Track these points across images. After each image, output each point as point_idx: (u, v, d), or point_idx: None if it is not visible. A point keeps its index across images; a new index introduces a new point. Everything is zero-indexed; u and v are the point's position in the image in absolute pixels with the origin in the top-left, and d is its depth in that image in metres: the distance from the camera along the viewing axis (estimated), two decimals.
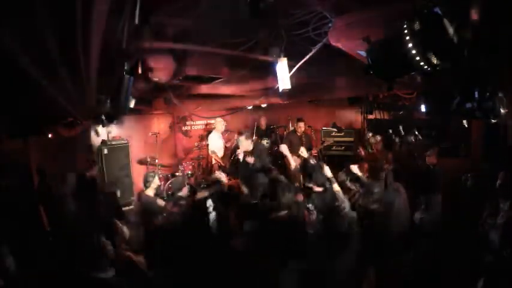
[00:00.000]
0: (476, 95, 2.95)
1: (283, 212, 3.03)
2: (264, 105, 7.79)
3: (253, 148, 4.75)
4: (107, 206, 4.48)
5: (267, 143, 8.04)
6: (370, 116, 7.84)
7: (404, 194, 3.93)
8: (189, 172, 7.29)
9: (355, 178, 4.37)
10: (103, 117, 3.81)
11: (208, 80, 4.55)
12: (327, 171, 3.63)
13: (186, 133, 8.29)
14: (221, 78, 4.44)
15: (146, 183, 4.48)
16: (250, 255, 2.98)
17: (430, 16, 1.78)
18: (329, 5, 2.71)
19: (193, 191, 6.07)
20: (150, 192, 4.49)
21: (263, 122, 8.43)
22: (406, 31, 1.82)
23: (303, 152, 5.79)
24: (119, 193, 4.95)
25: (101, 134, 6.88)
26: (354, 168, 4.36)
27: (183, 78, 4.10)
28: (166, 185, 6.72)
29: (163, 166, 7.17)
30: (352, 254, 2.89)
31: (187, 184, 6.53)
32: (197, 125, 8.48)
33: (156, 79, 3.75)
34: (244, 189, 4.88)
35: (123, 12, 2.20)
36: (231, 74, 4.51)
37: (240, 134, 4.71)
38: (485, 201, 3.59)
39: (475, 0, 1.85)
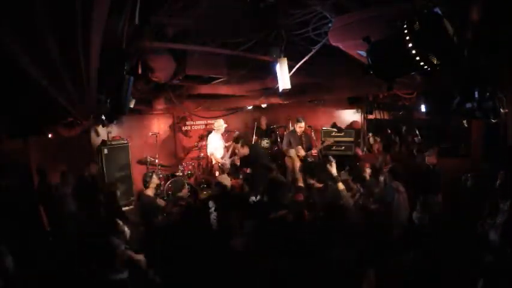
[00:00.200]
0: (476, 95, 2.95)
1: (283, 212, 3.04)
2: (264, 105, 7.79)
3: (249, 154, 4.74)
4: (107, 206, 4.48)
5: (266, 143, 8.04)
6: (370, 116, 7.84)
7: (404, 193, 3.93)
8: (189, 172, 7.29)
9: (358, 178, 4.37)
10: (103, 117, 3.80)
11: (208, 80, 4.54)
12: (333, 169, 3.63)
13: (186, 133, 8.29)
14: (221, 78, 4.44)
15: (145, 183, 4.49)
16: (250, 255, 2.98)
17: (430, 16, 1.78)
18: (329, 5, 2.71)
19: (193, 191, 6.07)
20: (150, 192, 4.50)
21: (263, 122, 8.43)
22: (406, 31, 1.81)
23: (300, 151, 5.79)
24: (119, 193, 4.95)
25: (101, 134, 6.89)
26: (367, 172, 4.34)
27: (183, 78, 4.10)
28: (166, 185, 6.72)
29: (163, 166, 7.17)
30: (352, 253, 2.89)
31: (188, 184, 6.55)
32: (197, 125, 8.48)
33: (156, 79, 3.75)
34: (246, 189, 4.88)
35: (123, 12, 2.20)
36: (231, 74, 4.51)
37: (236, 141, 4.68)
38: (485, 201, 3.59)
39: (475, 0, 1.86)
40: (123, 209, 5.68)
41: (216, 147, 6.93)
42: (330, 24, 2.95)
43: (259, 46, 3.71)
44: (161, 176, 6.83)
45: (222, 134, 7.19)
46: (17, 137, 4.29)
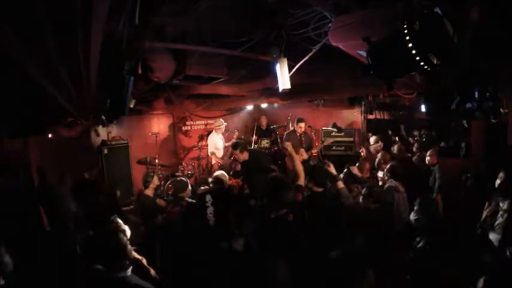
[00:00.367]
0: (476, 95, 2.96)
1: (283, 211, 3.04)
2: (264, 105, 7.79)
3: (249, 159, 4.71)
4: (107, 206, 4.48)
5: (266, 143, 8.04)
6: (370, 116, 7.84)
7: (404, 193, 3.93)
8: (189, 172, 7.29)
9: (355, 179, 4.37)
10: (103, 117, 3.80)
11: (208, 80, 4.54)
12: (332, 169, 3.63)
13: (186, 133, 8.29)
14: (221, 78, 4.44)
15: (145, 183, 4.49)
16: (250, 256, 2.98)
17: (430, 16, 1.79)
18: (329, 5, 2.71)
19: (193, 191, 6.06)
20: (150, 192, 4.50)
21: (263, 122, 8.43)
22: (406, 31, 1.81)
23: (303, 154, 5.78)
24: (119, 193, 4.95)
25: (101, 134, 6.88)
26: (354, 170, 4.36)
27: (183, 78, 4.10)
28: (166, 185, 6.72)
29: (163, 166, 7.17)
30: (352, 254, 2.90)
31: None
32: (197, 125, 8.48)
33: (156, 79, 3.75)
34: (247, 189, 4.88)
35: (123, 12, 2.20)
36: (231, 74, 4.51)
37: (234, 147, 4.64)
38: (485, 201, 3.59)
39: (475, 0, 1.86)
40: (123, 209, 5.67)
41: (216, 147, 6.93)
42: (330, 24, 2.95)
43: (259, 46, 3.71)
44: (161, 176, 6.82)
45: (222, 134, 7.19)
46: (17, 137, 4.28)
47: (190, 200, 4.39)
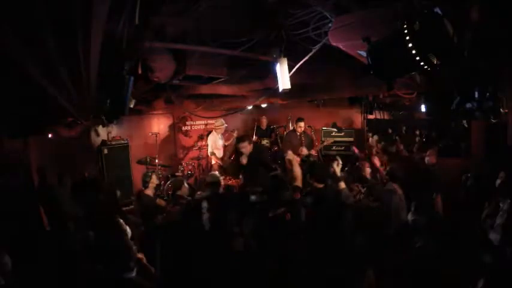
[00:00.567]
0: (476, 95, 2.95)
1: (281, 210, 3.04)
2: (264, 105, 7.79)
3: (252, 150, 4.73)
4: (107, 206, 4.48)
5: (266, 143, 8.05)
6: (370, 116, 7.85)
7: (401, 194, 3.93)
8: (189, 172, 7.29)
9: (358, 178, 4.36)
10: (103, 117, 3.80)
11: (208, 80, 4.54)
12: (338, 168, 3.62)
13: (186, 133, 8.29)
14: (221, 78, 4.44)
15: (144, 183, 4.49)
16: (249, 255, 2.98)
17: (430, 16, 1.78)
18: (329, 5, 2.71)
19: (193, 190, 6.06)
20: (150, 192, 4.50)
21: (263, 122, 8.43)
22: (406, 31, 1.81)
23: (304, 150, 5.79)
24: (119, 193, 4.95)
25: (101, 134, 6.88)
26: (367, 171, 4.33)
27: (183, 78, 4.10)
28: (166, 185, 6.71)
29: (163, 166, 7.17)
30: (351, 252, 2.90)
31: (187, 184, 6.54)
32: (197, 125, 8.47)
33: (156, 79, 3.75)
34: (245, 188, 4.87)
35: (123, 12, 2.20)
36: (231, 74, 4.51)
37: (241, 140, 4.66)
38: (485, 201, 3.59)
39: (475, 0, 1.86)
40: (123, 209, 5.67)
41: (216, 147, 6.92)
42: (330, 24, 2.95)
43: (259, 46, 3.71)
44: (161, 176, 6.82)
45: (222, 134, 7.19)
46: (17, 137, 4.28)
47: (188, 197, 4.39)
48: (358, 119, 8.40)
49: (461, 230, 3.64)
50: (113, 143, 6.78)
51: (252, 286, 2.82)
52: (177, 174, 7.13)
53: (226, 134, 7.51)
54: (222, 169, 6.59)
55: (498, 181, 3.64)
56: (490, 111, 3.05)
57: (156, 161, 6.97)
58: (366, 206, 3.47)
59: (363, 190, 4.28)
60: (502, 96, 3.18)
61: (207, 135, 7.48)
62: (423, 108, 5.40)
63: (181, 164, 7.43)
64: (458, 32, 1.80)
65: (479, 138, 5.73)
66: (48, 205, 4.48)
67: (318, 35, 3.32)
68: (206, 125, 8.44)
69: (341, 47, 2.86)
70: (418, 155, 6.02)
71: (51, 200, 4.43)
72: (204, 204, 3.60)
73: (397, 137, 7.60)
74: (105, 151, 6.59)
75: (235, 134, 7.12)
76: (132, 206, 6.54)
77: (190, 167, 7.40)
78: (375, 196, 3.55)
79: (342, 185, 3.56)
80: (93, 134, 6.86)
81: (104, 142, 6.70)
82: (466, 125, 6.00)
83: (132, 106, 4.20)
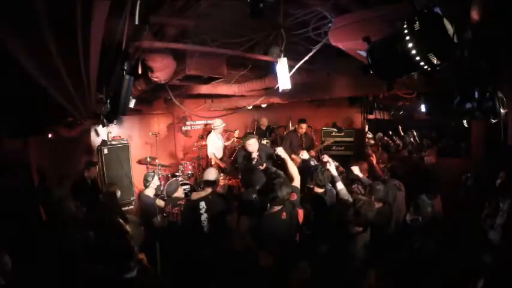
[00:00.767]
0: (476, 95, 2.95)
1: (277, 208, 3.04)
2: (264, 105, 7.79)
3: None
4: (107, 206, 4.49)
5: (267, 143, 8.06)
6: (370, 116, 7.85)
7: (404, 192, 3.94)
8: (189, 172, 7.30)
9: (356, 180, 4.37)
10: (103, 117, 3.80)
11: (208, 80, 4.54)
12: (332, 169, 3.62)
13: (186, 133, 8.29)
14: (221, 78, 4.44)
15: (146, 182, 4.49)
16: (248, 254, 2.98)
17: (430, 16, 1.78)
18: (329, 5, 2.71)
19: (193, 190, 6.06)
20: (150, 192, 4.50)
21: (263, 122, 8.43)
22: (406, 31, 1.81)
23: (304, 154, 5.78)
24: (119, 193, 4.95)
25: (101, 134, 6.88)
26: (355, 170, 4.36)
27: (183, 78, 4.10)
28: (166, 185, 6.72)
29: (163, 166, 7.18)
30: (351, 255, 2.89)
31: (188, 184, 6.54)
32: (197, 125, 8.48)
33: (156, 79, 3.75)
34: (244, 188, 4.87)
35: (123, 12, 2.20)
36: (231, 74, 4.51)
37: (248, 136, 4.67)
38: (485, 201, 3.59)
39: (475, 0, 1.86)
40: (123, 209, 5.68)
41: (215, 147, 6.92)
42: (330, 24, 2.95)
43: (259, 46, 3.71)
44: (161, 176, 6.82)
45: (221, 134, 7.18)
46: (17, 137, 4.28)
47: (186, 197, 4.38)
48: (358, 119, 8.41)
49: (461, 230, 3.64)
50: (113, 143, 6.78)
51: (252, 286, 2.82)
52: (177, 174, 7.13)
53: (226, 134, 7.51)
54: (222, 170, 6.59)
55: (498, 181, 3.64)
56: (490, 111, 3.05)
57: (156, 161, 6.98)
58: (367, 206, 3.47)
59: (362, 191, 4.28)
60: (502, 96, 3.18)
61: (207, 135, 7.49)
62: (423, 108, 5.40)
63: (181, 164, 7.43)
64: (458, 32, 1.80)
65: (479, 138, 5.73)
66: (48, 205, 4.48)
67: (318, 35, 3.32)
68: (206, 125, 8.45)
69: (341, 47, 2.86)
70: (417, 154, 6.02)
71: (51, 200, 4.43)
72: (202, 205, 3.59)
73: (397, 137, 7.61)
74: (105, 151, 6.59)
75: (236, 134, 7.11)
76: (132, 206, 6.55)
77: (190, 167, 7.40)
78: (376, 196, 3.55)
79: (340, 185, 3.56)
80: (93, 134, 6.87)
81: (104, 142, 6.71)
82: (466, 125, 6.00)
83: (132, 106, 4.21)
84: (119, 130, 7.18)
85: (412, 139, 7.64)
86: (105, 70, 2.62)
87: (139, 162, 7.16)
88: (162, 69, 3.47)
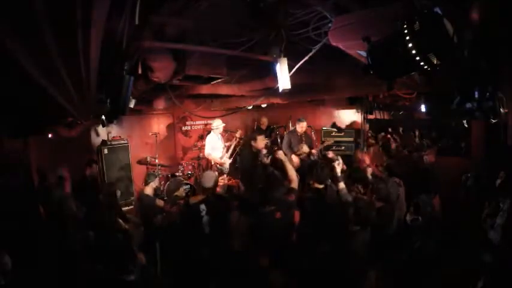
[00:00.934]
0: (476, 95, 2.95)
1: (270, 208, 3.05)
2: (264, 105, 7.79)
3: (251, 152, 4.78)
4: (107, 206, 4.49)
5: (267, 143, 8.05)
6: (370, 116, 7.85)
7: (403, 188, 3.95)
8: (189, 172, 7.29)
9: (355, 180, 4.36)
10: (103, 117, 3.80)
11: (208, 80, 4.54)
12: (338, 168, 3.62)
13: (186, 133, 8.29)
14: (221, 78, 4.44)
15: (147, 181, 4.50)
16: (245, 254, 2.99)
17: (430, 16, 1.78)
18: (329, 5, 2.71)
19: (193, 190, 6.06)
20: (149, 191, 4.51)
21: (263, 122, 8.42)
22: (406, 31, 1.81)
23: (304, 147, 5.77)
24: (119, 193, 4.96)
25: (101, 134, 6.88)
26: (369, 172, 4.34)
27: (183, 78, 4.10)
28: (166, 185, 6.72)
29: (163, 166, 7.17)
30: (352, 255, 2.89)
31: (188, 184, 6.53)
32: (197, 125, 8.47)
33: (156, 79, 3.75)
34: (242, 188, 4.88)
35: (123, 12, 2.20)
36: (231, 74, 4.51)
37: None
38: (485, 201, 3.59)
39: (475, 0, 1.86)
40: (123, 209, 5.68)
41: (214, 147, 6.90)
42: (330, 24, 2.95)
43: (259, 46, 3.71)
44: (161, 176, 6.82)
45: (221, 134, 7.17)
46: (17, 137, 4.28)
47: (186, 198, 4.37)
48: (358, 119, 8.41)
49: (461, 230, 3.64)
50: (113, 143, 6.78)
51: (251, 286, 2.82)
52: (177, 174, 7.13)
53: (226, 134, 7.50)
54: (221, 170, 6.59)
55: (498, 181, 3.64)
56: (490, 111, 3.05)
57: (156, 161, 6.98)
58: (368, 206, 3.47)
59: (363, 191, 4.28)
60: (502, 96, 3.18)
61: (207, 135, 7.48)
62: (423, 108, 5.40)
63: (181, 164, 7.43)
64: (458, 32, 1.80)
65: (479, 138, 5.73)
66: (48, 205, 4.48)
67: (318, 35, 3.33)
68: (206, 125, 8.44)
69: (341, 47, 2.86)
70: (417, 154, 6.02)
71: (51, 200, 4.43)
72: (203, 207, 3.58)
73: (397, 137, 7.61)
74: (105, 151, 6.59)
75: (237, 135, 7.08)
76: (132, 206, 6.55)
77: (190, 167, 7.40)
78: (378, 195, 3.55)
79: (342, 185, 3.56)
80: (93, 134, 6.87)
81: (104, 142, 6.71)
82: (466, 125, 6.00)
83: (132, 106, 4.21)
84: (118, 130, 7.17)
85: (413, 139, 7.64)
86: (105, 70, 2.61)
87: (140, 162, 7.16)
88: (162, 69, 3.48)
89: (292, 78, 3.62)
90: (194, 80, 4.43)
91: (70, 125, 4.96)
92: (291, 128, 7.79)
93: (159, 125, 8.00)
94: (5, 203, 3.84)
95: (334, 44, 2.88)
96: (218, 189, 4.19)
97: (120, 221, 3.53)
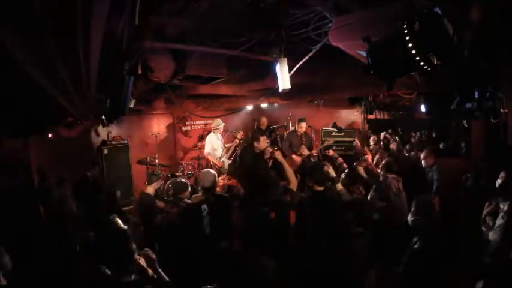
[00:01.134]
0: (476, 95, 2.95)
1: (265, 209, 3.05)
2: (264, 105, 7.79)
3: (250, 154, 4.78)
4: (107, 206, 4.48)
5: (267, 143, 8.04)
6: (370, 116, 7.85)
7: (401, 183, 3.96)
8: (189, 172, 7.29)
9: (355, 180, 4.36)
10: (103, 117, 3.80)
11: (208, 80, 4.55)
12: (331, 171, 3.62)
13: (186, 133, 8.29)
14: (221, 78, 4.44)
15: (150, 180, 4.51)
16: (246, 254, 2.98)
17: (430, 16, 1.78)
18: (329, 5, 2.71)
19: (193, 191, 6.04)
20: (150, 190, 4.51)
21: (263, 122, 8.42)
22: (406, 31, 1.82)
23: (304, 150, 5.76)
24: (118, 193, 4.95)
25: (101, 134, 6.88)
26: (360, 170, 4.35)
27: (183, 78, 4.10)
28: (166, 185, 6.71)
29: (163, 166, 7.17)
30: (352, 255, 2.89)
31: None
32: (197, 125, 8.47)
33: (156, 79, 3.75)
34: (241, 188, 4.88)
35: (123, 12, 2.20)
36: (231, 74, 4.51)
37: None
38: (485, 201, 3.59)
39: (475, 0, 1.86)
40: (123, 209, 5.67)
41: (213, 147, 6.90)
42: (330, 24, 2.95)
43: (259, 46, 3.71)
44: (161, 176, 6.82)
45: (221, 134, 7.17)
46: (17, 137, 4.28)
47: (188, 200, 4.37)
48: (358, 119, 8.41)
49: (461, 230, 3.64)
50: (113, 143, 6.78)
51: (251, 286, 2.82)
52: (177, 174, 7.13)
53: (226, 135, 7.50)
54: (219, 170, 6.58)
55: (498, 181, 3.64)
56: (490, 111, 3.05)
57: (156, 161, 6.97)
58: (368, 206, 3.47)
59: (363, 191, 4.28)
60: (502, 96, 3.18)
61: (207, 135, 7.48)
62: (423, 108, 5.41)
63: (181, 164, 7.43)
64: (458, 32, 1.80)
65: (479, 138, 5.73)
66: (48, 205, 4.48)
67: (318, 35, 3.33)
68: (206, 125, 8.44)
69: (341, 47, 2.86)
70: (414, 154, 6.01)
71: (51, 200, 4.43)
72: (204, 207, 3.58)
73: (396, 137, 7.61)
74: (105, 151, 6.58)
75: (239, 136, 7.05)
76: (132, 206, 6.54)
77: (190, 167, 7.39)
78: (379, 195, 3.56)
79: (339, 186, 3.56)
80: (93, 134, 6.86)
81: (104, 142, 6.70)
82: (466, 125, 6.00)
83: (132, 106, 4.21)
84: (118, 130, 7.17)
85: (413, 138, 7.64)
86: (105, 70, 2.61)
87: (140, 162, 7.15)
88: (162, 69, 3.48)
89: (292, 78, 3.62)
90: (194, 80, 4.43)
91: (70, 125, 4.96)
92: (291, 128, 7.79)
93: (159, 125, 8.00)
94: (5, 203, 3.84)
95: (334, 44, 2.89)
96: (218, 189, 4.18)
97: (120, 221, 3.52)
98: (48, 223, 4.28)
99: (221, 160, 6.82)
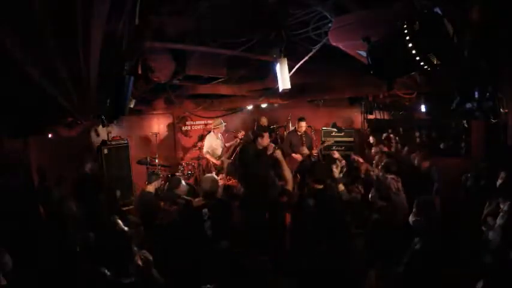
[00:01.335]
0: (476, 95, 2.95)
1: (260, 209, 3.06)
2: (264, 105, 7.78)
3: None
4: (107, 206, 4.49)
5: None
6: (370, 116, 7.85)
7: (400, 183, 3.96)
8: (189, 172, 7.29)
9: (355, 179, 4.37)
10: (103, 117, 3.80)
11: (208, 80, 4.55)
12: (337, 171, 3.62)
13: (186, 133, 8.29)
14: (221, 78, 4.44)
15: (150, 180, 4.51)
16: (246, 254, 2.98)
17: (430, 16, 1.79)
18: (329, 5, 2.71)
19: (193, 190, 6.04)
20: (151, 189, 4.51)
21: (263, 122, 8.41)
22: (406, 31, 1.82)
23: (305, 150, 5.76)
24: (118, 193, 4.95)
25: (101, 134, 6.88)
26: (359, 159, 4.33)
27: (183, 78, 4.11)
28: (166, 185, 6.71)
29: (163, 166, 7.17)
30: (352, 255, 2.89)
31: (187, 184, 6.52)
32: (197, 125, 8.47)
33: (156, 79, 3.75)
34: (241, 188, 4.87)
35: (123, 12, 2.20)
36: (231, 74, 4.51)
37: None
38: (485, 201, 3.58)
39: (475, 0, 1.86)
40: (123, 209, 5.67)
41: (212, 146, 6.90)
42: (330, 24, 2.95)
43: (259, 46, 3.71)
44: (161, 176, 6.81)
45: (222, 134, 7.17)
46: (17, 137, 4.28)
47: (186, 197, 4.34)
48: (358, 119, 8.40)
49: (461, 230, 3.64)
50: (113, 143, 6.77)
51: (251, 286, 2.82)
52: (177, 174, 7.12)
53: (226, 135, 7.50)
54: (217, 168, 6.58)
55: (499, 181, 3.63)
56: (490, 111, 3.05)
57: (156, 161, 6.97)
58: (368, 206, 3.48)
59: (363, 191, 4.29)
60: (502, 96, 3.19)
61: (207, 135, 7.47)
62: (423, 108, 5.40)
63: (181, 164, 7.42)
64: (458, 32, 1.80)
65: (479, 138, 5.72)
66: (48, 205, 4.48)
67: (318, 35, 3.33)
68: (206, 125, 8.43)
69: (341, 47, 2.86)
70: (411, 155, 6.00)
71: (51, 200, 4.43)
72: (205, 211, 3.57)
73: (396, 138, 7.60)
74: (105, 151, 6.58)
75: (240, 135, 7.03)
76: (132, 206, 6.54)
77: (190, 167, 7.39)
78: (380, 195, 3.56)
79: (341, 186, 3.56)
80: (93, 134, 6.85)
81: (104, 142, 6.70)
82: (466, 125, 5.99)
83: (132, 106, 4.21)
84: (118, 130, 7.16)
85: (413, 139, 7.63)
86: (105, 70, 2.61)
87: (140, 162, 7.15)
88: (162, 69, 3.48)
89: (292, 78, 3.62)
90: (194, 80, 4.43)
91: (70, 125, 4.96)
92: (291, 128, 7.78)
93: (159, 125, 7.99)
94: (5, 203, 3.84)
95: (334, 44, 2.89)
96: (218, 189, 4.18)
97: (120, 221, 3.52)
98: (48, 223, 4.28)
99: (221, 159, 6.81)
